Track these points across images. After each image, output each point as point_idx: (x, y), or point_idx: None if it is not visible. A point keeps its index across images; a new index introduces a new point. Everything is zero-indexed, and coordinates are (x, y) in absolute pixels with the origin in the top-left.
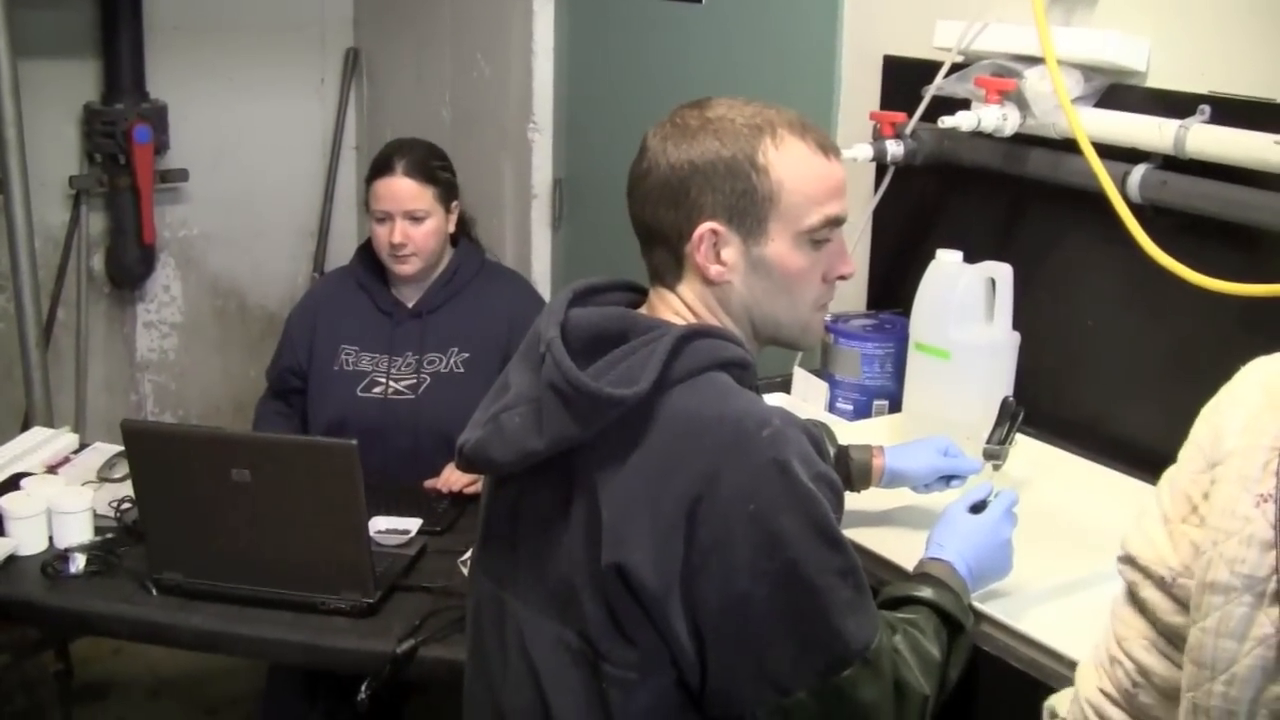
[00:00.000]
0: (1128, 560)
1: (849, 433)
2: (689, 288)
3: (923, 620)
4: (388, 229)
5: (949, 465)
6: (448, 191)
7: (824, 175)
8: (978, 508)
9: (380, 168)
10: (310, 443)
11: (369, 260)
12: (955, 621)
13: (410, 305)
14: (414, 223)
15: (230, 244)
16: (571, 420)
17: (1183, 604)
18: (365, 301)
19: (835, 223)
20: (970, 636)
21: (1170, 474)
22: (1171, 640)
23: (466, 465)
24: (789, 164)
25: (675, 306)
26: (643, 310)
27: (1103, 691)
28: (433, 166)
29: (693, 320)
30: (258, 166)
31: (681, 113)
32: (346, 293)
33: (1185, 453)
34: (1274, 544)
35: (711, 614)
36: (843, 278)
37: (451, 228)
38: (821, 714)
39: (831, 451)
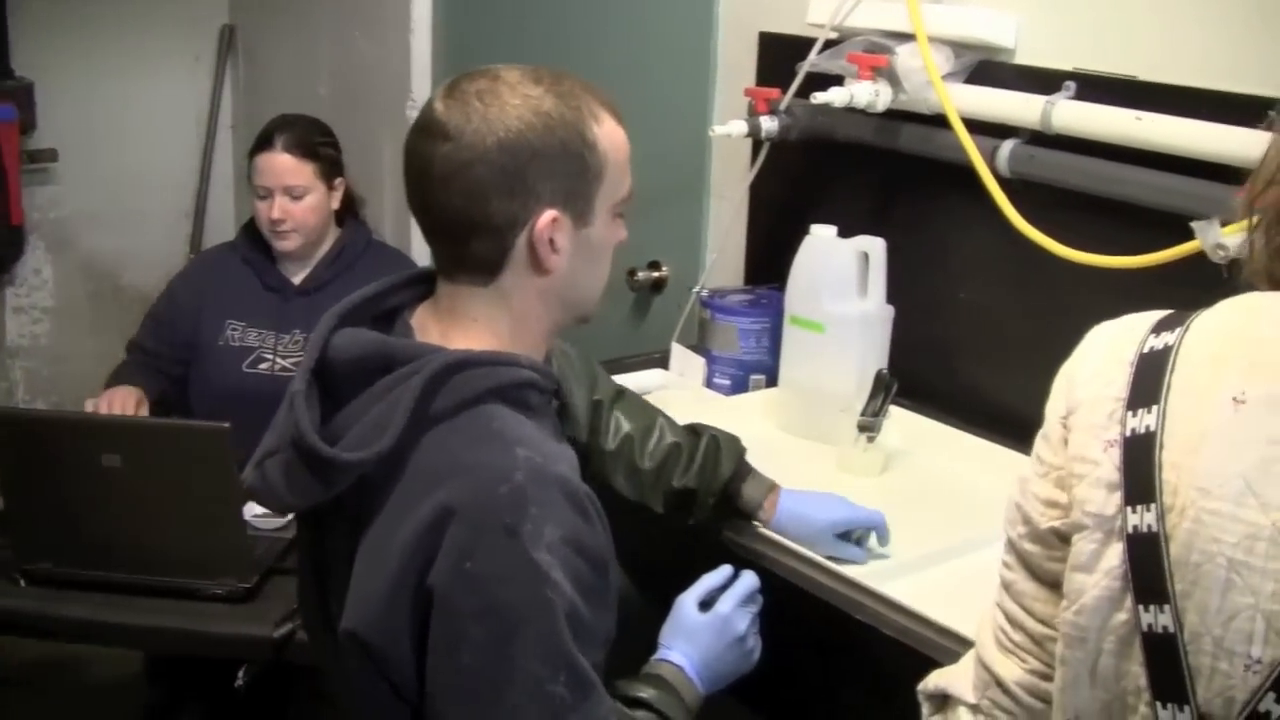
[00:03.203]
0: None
1: (727, 407)
2: (513, 279)
3: None
4: (268, 205)
5: (850, 514)
6: (330, 168)
7: (626, 144)
8: (709, 602)
9: (261, 143)
10: (181, 426)
11: (254, 237)
12: None
13: (297, 283)
14: (293, 199)
15: (104, 226)
16: (315, 481)
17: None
18: (251, 278)
19: (632, 191)
20: None
21: (1040, 435)
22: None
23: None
24: (608, 138)
25: (472, 310)
26: (425, 311)
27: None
28: (315, 142)
29: (494, 323)
30: (131, 146)
31: (483, 86)
32: (232, 268)
33: (1048, 409)
34: (1119, 485)
35: (431, 685)
36: (621, 243)
37: (336, 205)
38: None
39: (728, 471)
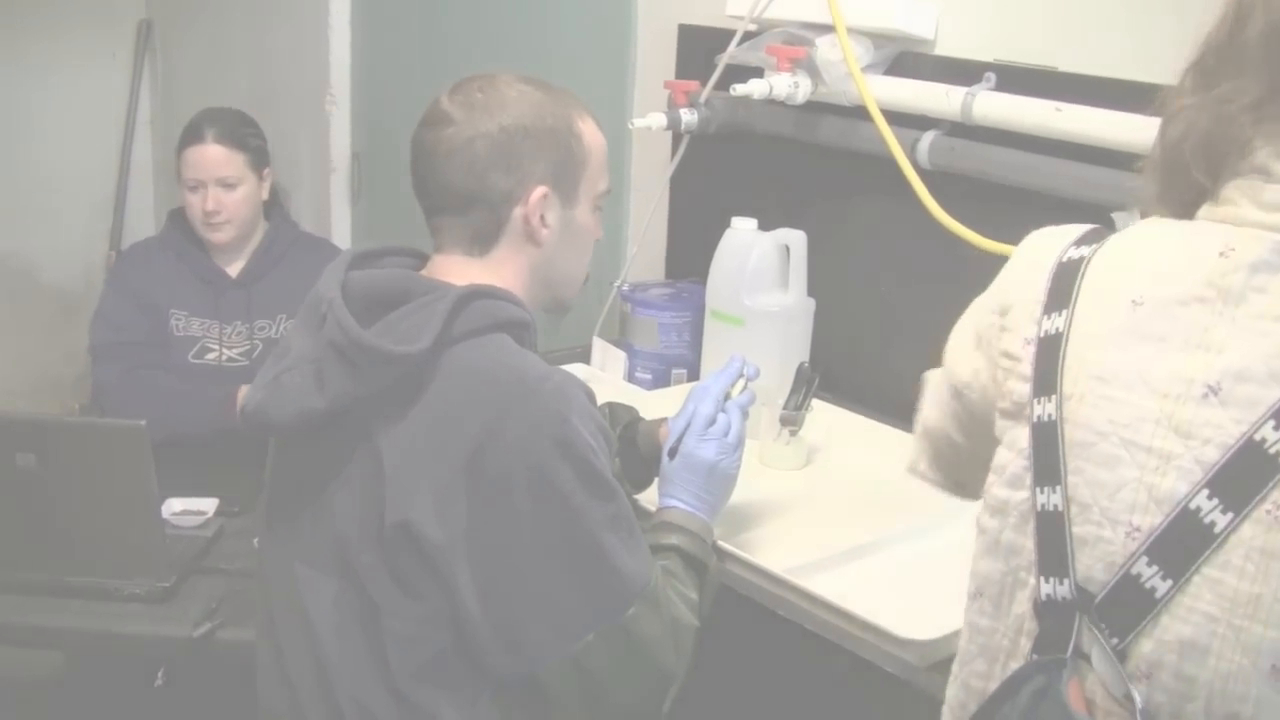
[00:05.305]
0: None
1: (648, 401)
2: (506, 251)
3: (674, 565)
4: (200, 197)
5: (713, 383)
6: (259, 158)
7: (605, 146)
8: (675, 449)
9: (190, 136)
10: (98, 424)
11: (184, 230)
12: (701, 563)
13: (234, 276)
14: (226, 190)
15: (21, 223)
16: (353, 378)
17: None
18: (184, 270)
19: (609, 189)
20: (715, 573)
21: (974, 307)
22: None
23: (248, 426)
24: (591, 134)
25: (469, 272)
26: (424, 273)
27: None
28: (243, 133)
29: (481, 284)
30: (48, 143)
31: (483, 83)
32: (164, 262)
33: (992, 290)
34: (1030, 378)
35: (498, 565)
36: (598, 240)
37: (265, 195)
38: (611, 655)
39: (618, 431)
